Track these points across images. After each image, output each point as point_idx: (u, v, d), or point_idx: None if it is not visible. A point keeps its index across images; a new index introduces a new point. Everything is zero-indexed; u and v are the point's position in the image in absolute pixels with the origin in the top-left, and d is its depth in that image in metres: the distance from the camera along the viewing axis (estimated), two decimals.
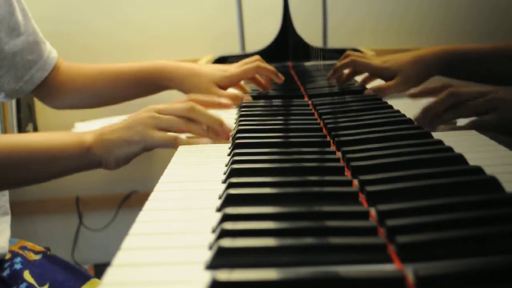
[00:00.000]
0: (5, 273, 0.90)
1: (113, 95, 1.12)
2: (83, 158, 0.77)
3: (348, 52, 1.12)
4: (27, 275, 0.91)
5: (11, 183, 0.81)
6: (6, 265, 0.91)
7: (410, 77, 1.01)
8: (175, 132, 0.78)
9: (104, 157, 0.77)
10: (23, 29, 1.00)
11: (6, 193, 0.96)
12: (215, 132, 0.79)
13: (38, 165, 0.77)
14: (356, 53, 1.13)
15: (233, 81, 1.06)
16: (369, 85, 1.13)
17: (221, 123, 0.79)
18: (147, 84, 1.09)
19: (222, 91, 1.03)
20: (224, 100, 0.88)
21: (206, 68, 1.09)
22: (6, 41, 0.97)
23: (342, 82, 1.13)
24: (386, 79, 1.06)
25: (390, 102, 0.94)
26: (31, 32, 1.01)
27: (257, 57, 1.10)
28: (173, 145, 0.77)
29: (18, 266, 0.91)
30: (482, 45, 1.02)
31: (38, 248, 0.99)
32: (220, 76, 1.05)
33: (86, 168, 0.79)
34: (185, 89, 1.05)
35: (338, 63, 1.12)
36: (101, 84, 1.09)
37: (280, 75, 1.08)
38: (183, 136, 0.79)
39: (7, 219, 0.95)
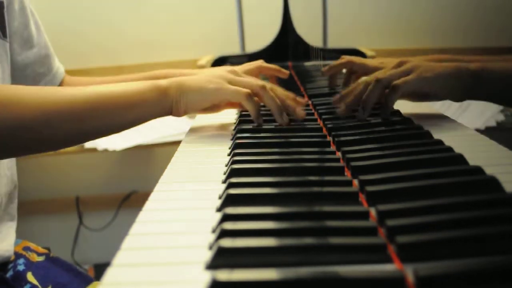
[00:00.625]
0: (8, 274, 0.90)
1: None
2: (160, 102, 0.80)
3: (343, 57, 1.13)
4: (30, 276, 0.91)
5: (98, 131, 0.81)
6: (9, 266, 0.91)
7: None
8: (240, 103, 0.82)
9: (176, 100, 0.80)
10: (35, 41, 1.01)
11: (15, 200, 0.96)
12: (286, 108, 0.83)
13: (119, 113, 0.78)
14: (352, 57, 1.13)
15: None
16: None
17: (294, 100, 0.85)
18: None
19: None
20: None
21: (207, 71, 1.09)
22: (19, 52, 0.99)
23: (334, 83, 1.14)
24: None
25: None
26: (43, 45, 1.03)
27: (260, 61, 1.14)
28: (246, 98, 0.80)
29: (21, 268, 0.91)
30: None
31: (41, 249, 0.99)
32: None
33: (160, 113, 0.81)
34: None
35: (334, 62, 1.12)
36: None
37: (284, 70, 1.11)
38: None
39: (13, 224, 0.95)
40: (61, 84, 1.08)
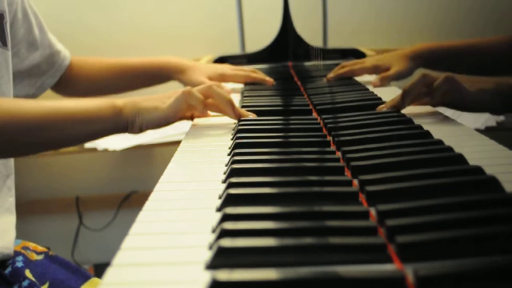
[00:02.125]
0: (7, 270, 0.90)
1: (122, 86, 1.25)
2: (114, 120, 0.83)
3: (343, 64, 1.27)
4: (28, 273, 0.91)
5: (49, 144, 0.86)
6: (8, 263, 0.92)
7: (402, 67, 1.18)
8: (199, 111, 0.88)
9: (131, 120, 0.84)
10: (39, 43, 1.08)
11: (13, 194, 0.96)
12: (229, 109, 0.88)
13: (74, 126, 0.83)
14: (349, 63, 1.27)
15: (223, 79, 1.21)
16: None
17: (231, 102, 0.88)
18: (153, 75, 1.23)
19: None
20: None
21: (202, 64, 1.26)
22: (26, 56, 1.05)
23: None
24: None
25: (387, 98, 0.94)
26: (47, 45, 1.10)
27: (253, 69, 1.27)
28: (187, 95, 0.85)
29: (19, 264, 0.92)
30: (457, 41, 1.23)
31: (41, 248, 0.99)
32: (213, 72, 1.21)
33: (115, 130, 0.85)
34: (184, 79, 1.20)
35: (334, 72, 1.24)
36: (111, 76, 1.22)
37: (268, 78, 1.23)
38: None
39: (12, 219, 0.95)
40: (69, 72, 1.17)
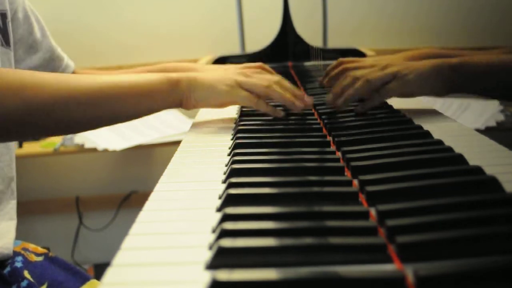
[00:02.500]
0: (6, 270, 0.90)
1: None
2: (171, 94, 0.83)
3: (340, 60, 1.13)
4: (27, 274, 0.91)
5: (111, 118, 0.84)
6: (7, 263, 0.92)
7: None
8: (256, 94, 0.86)
9: (186, 95, 0.83)
10: (39, 46, 1.05)
11: (15, 196, 0.96)
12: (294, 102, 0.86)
13: (131, 101, 0.81)
14: (347, 59, 1.12)
15: None
16: None
17: (301, 96, 0.87)
18: None
19: None
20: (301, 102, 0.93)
21: (209, 66, 1.18)
22: (24, 58, 1.03)
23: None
24: None
25: (389, 101, 0.94)
26: (47, 49, 1.07)
27: (260, 63, 1.14)
28: (255, 104, 0.85)
29: (18, 265, 0.92)
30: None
31: (41, 250, 0.99)
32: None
33: (171, 104, 0.84)
34: None
35: (330, 71, 1.11)
36: None
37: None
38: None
39: (13, 223, 0.95)
40: None
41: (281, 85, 0.87)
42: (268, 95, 0.85)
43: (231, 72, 0.88)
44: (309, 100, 0.87)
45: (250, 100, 0.85)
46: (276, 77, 0.89)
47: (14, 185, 0.96)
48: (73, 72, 1.12)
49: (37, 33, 1.04)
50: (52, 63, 1.08)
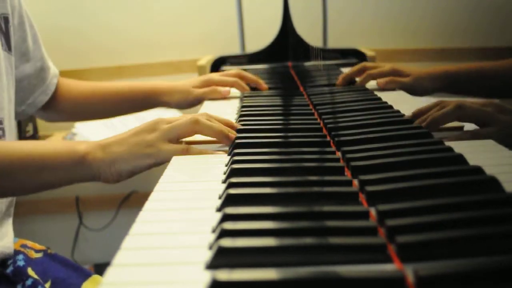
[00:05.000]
0: (9, 270, 0.91)
1: (108, 111, 1.19)
2: (76, 168, 0.73)
3: (363, 64, 1.20)
4: (30, 271, 0.91)
5: (5, 191, 0.78)
6: (9, 262, 0.92)
7: (418, 81, 1.12)
8: (184, 137, 0.78)
9: (105, 169, 0.73)
10: (32, 55, 1.04)
11: (11, 198, 0.96)
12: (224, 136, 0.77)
13: (27, 173, 0.73)
14: (370, 65, 1.20)
15: (209, 84, 1.16)
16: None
17: (225, 133, 0.77)
18: (141, 99, 1.17)
19: (203, 89, 1.15)
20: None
21: (186, 80, 1.20)
22: (17, 65, 1.01)
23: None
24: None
25: (387, 98, 0.94)
26: (39, 58, 1.06)
27: (239, 70, 1.21)
28: (186, 153, 0.75)
29: (21, 263, 0.92)
30: (478, 64, 1.14)
31: (39, 246, 0.99)
32: (198, 81, 1.17)
33: (80, 179, 0.75)
34: (175, 100, 1.15)
35: (351, 72, 1.19)
36: (97, 100, 1.16)
37: (263, 84, 1.19)
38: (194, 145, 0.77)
39: (10, 221, 0.96)
40: (56, 91, 1.12)
41: (209, 117, 0.79)
42: (196, 131, 0.76)
43: (149, 126, 0.76)
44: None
45: (178, 152, 0.74)
46: (205, 113, 0.79)
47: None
48: (58, 81, 1.12)
49: (30, 41, 1.03)
50: (42, 73, 1.07)
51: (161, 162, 0.74)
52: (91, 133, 1.82)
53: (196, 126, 0.76)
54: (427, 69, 1.15)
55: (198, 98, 1.15)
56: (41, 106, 1.09)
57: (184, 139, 0.79)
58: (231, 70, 1.23)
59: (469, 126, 0.84)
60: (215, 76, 1.19)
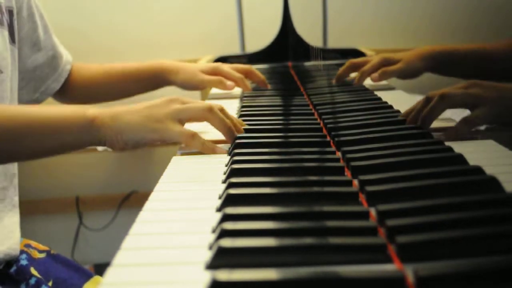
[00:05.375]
0: (12, 269, 0.91)
1: (118, 92, 1.21)
2: (85, 132, 0.73)
3: (351, 61, 1.20)
4: (33, 271, 0.91)
5: (8, 156, 0.77)
6: (12, 261, 0.92)
7: (408, 64, 1.12)
8: (195, 121, 0.78)
9: (112, 136, 0.73)
10: (43, 44, 1.07)
11: (17, 193, 0.96)
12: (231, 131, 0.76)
13: (34, 137, 0.73)
14: (357, 60, 1.19)
15: (217, 72, 1.15)
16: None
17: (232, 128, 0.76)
18: (150, 78, 1.19)
19: (210, 77, 1.15)
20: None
21: (196, 63, 1.23)
22: (29, 55, 1.04)
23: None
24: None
25: (387, 98, 0.94)
26: (50, 47, 1.09)
27: (249, 66, 1.22)
28: (190, 140, 0.73)
29: (24, 262, 0.92)
30: (464, 45, 1.16)
31: (42, 247, 1.00)
32: (207, 67, 1.17)
33: (88, 143, 0.74)
34: (179, 80, 1.16)
35: (342, 71, 1.19)
36: (107, 82, 1.19)
37: (266, 83, 1.19)
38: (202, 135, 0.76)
39: (17, 219, 0.96)
40: (68, 77, 1.15)
41: (224, 112, 0.77)
42: (207, 119, 0.75)
43: (163, 102, 0.75)
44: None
45: (184, 135, 0.73)
46: (219, 105, 0.78)
47: (16, 182, 0.97)
48: (70, 69, 1.15)
49: (41, 31, 1.06)
50: (55, 61, 1.10)
51: (166, 140, 0.74)
52: None
53: (208, 114, 0.75)
54: (415, 50, 1.15)
55: (203, 83, 1.14)
56: (54, 92, 1.12)
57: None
58: (241, 65, 1.21)
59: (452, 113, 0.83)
60: (225, 66, 1.18)
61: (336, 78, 1.19)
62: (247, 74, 1.18)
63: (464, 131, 0.76)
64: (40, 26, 1.06)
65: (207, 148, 0.74)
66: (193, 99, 0.78)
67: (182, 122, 0.75)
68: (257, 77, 1.19)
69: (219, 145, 0.76)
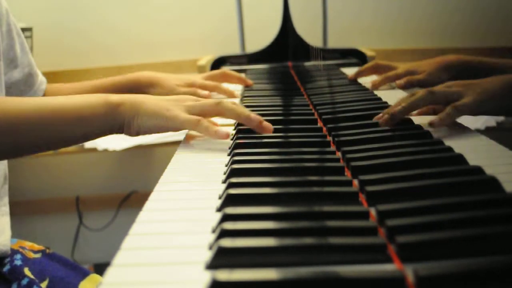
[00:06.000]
0: (5, 268, 0.91)
1: None
2: (109, 119, 0.76)
3: (376, 62, 1.24)
4: (27, 271, 0.91)
5: (35, 146, 0.78)
6: (6, 261, 0.92)
7: (433, 75, 1.13)
8: (206, 116, 0.80)
9: (128, 120, 0.76)
10: (19, 61, 1.05)
11: (6, 197, 0.97)
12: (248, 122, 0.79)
13: (63, 126, 0.75)
14: (383, 63, 1.24)
15: (192, 86, 1.16)
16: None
17: (248, 116, 0.79)
18: (126, 91, 1.12)
19: (185, 89, 1.15)
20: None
21: (173, 75, 1.20)
22: (5, 72, 1.02)
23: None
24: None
25: (387, 98, 0.94)
26: (26, 64, 1.07)
27: (224, 69, 1.25)
28: (196, 125, 0.77)
29: (18, 263, 0.92)
30: (490, 59, 1.13)
31: (37, 247, 1.00)
32: (182, 81, 1.17)
33: (109, 131, 0.77)
34: (157, 93, 1.14)
35: (364, 69, 1.23)
36: None
37: (248, 80, 1.21)
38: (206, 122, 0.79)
39: (8, 219, 0.96)
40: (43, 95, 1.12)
41: (233, 103, 0.81)
42: (219, 112, 0.79)
43: (179, 97, 0.81)
44: (267, 125, 0.79)
45: (190, 122, 0.77)
46: (229, 101, 0.81)
47: (6, 184, 0.97)
48: (46, 88, 1.12)
49: (18, 48, 1.05)
50: (30, 79, 1.08)
51: (174, 128, 0.78)
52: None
53: (217, 107, 0.79)
54: (436, 60, 1.15)
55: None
56: None
57: None
58: (215, 71, 1.24)
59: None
60: (198, 79, 1.20)
61: (355, 75, 1.22)
62: (224, 78, 1.20)
63: (451, 119, 0.79)
64: (17, 43, 1.04)
65: (211, 132, 0.77)
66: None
67: (193, 114, 0.78)
68: (235, 78, 1.20)
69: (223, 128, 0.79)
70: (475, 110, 0.81)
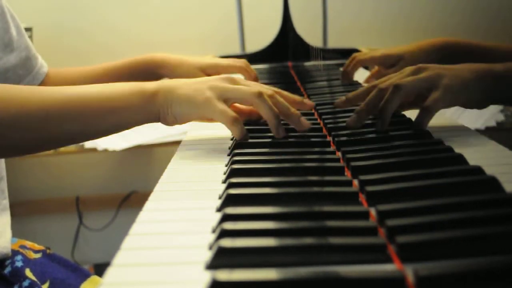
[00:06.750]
0: (6, 270, 0.90)
1: None
2: (144, 108, 0.73)
3: (354, 55, 1.16)
4: (28, 272, 0.91)
5: (71, 137, 0.75)
6: (7, 262, 0.92)
7: (412, 62, 1.01)
8: (242, 104, 0.76)
9: (164, 110, 0.73)
10: (16, 45, 1.02)
11: (6, 195, 0.96)
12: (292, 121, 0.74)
13: (96, 118, 0.72)
14: (358, 53, 1.16)
15: (218, 70, 1.08)
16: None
17: (299, 116, 0.74)
18: (139, 74, 1.09)
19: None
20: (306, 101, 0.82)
21: (194, 57, 1.12)
22: (1, 57, 0.99)
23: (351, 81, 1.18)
24: (390, 66, 1.10)
25: None
26: (23, 48, 1.04)
27: (243, 60, 1.14)
28: (231, 124, 0.72)
29: (19, 264, 0.91)
30: (480, 42, 1.06)
31: (38, 247, 0.99)
32: (207, 64, 1.08)
33: (145, 119, 0.74)
34: (176, 76, 1.06)
35: (345, 67, 1.16)
36: (93, 81, 1.09)
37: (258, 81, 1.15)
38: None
39: (8, 220, 0.96)
40: (43, 81, 1.08)
41: (274, 97, 0.74)
42: (254, 104, 0.73)
43: (216, 78, 0.75)
44: (305, 123, 0.75)
45: (225, 117, 0.71)
46: (272, 89, 0.75)
47: (4, 185, 0.96)
48: (48, 72, 1.09)
49: (13, 31, 1.01)
50: (28, 62, 1.04)
51: (207, 117, 0.73)
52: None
53: (256, 99, 0.71)
54: (420, 43, 1.07)
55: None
56: None
57: None
58: (236, 61, 1.14)
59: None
60: (222, 60, 1.12)
61: (344, 77, 1.15)
62: (242, 71, 1.13)
63: (428, 118, 0.74)
64: (12, 26, 1.01)
65: (240, 136, 0.72)
66: (247, 81, 0.77)
67: (228, 102, 0.73)
68: (250, 73, 1.12)
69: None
70: (447, 105, 0.75)
